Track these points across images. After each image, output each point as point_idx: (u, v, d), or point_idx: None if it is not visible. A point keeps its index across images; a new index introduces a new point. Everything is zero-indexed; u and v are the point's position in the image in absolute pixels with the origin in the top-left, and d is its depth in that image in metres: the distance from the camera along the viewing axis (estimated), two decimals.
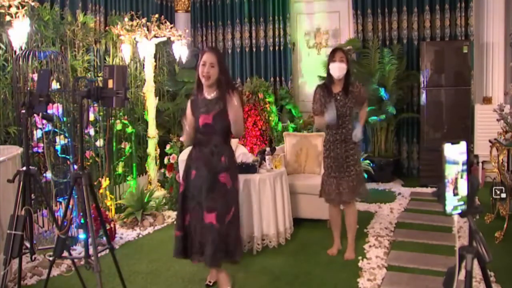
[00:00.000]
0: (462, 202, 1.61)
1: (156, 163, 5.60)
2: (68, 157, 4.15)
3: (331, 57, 3.61)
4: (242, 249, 3.25)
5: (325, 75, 6.38)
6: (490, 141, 4.53)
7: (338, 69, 3.57)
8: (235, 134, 3.10)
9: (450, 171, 1.57)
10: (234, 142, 4.30)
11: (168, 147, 5.36)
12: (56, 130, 4.11)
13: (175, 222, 3.21)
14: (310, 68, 7.09)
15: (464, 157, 1.60)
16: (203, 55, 3.00)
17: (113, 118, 5.01)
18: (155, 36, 5.39)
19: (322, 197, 3.81)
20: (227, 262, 3.09)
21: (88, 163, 4.56)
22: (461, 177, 1.60)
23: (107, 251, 2.89)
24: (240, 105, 3.04)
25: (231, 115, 2.97)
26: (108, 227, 3.92)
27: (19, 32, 3.83)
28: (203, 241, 2.99)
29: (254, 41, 7.25)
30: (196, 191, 3.03)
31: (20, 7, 3.82)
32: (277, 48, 7.16)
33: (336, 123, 3.58)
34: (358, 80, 4.37)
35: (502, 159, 4.34)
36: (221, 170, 3.00)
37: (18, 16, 3.80)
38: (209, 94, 3.04)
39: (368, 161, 5.93)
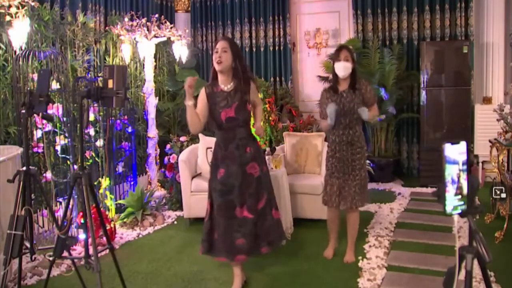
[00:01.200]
0: (462, 202, 1.61)
1: (156, 163, 5.60)
2: (68, 157, 4.16)
3: (336, 56, 3.54)
4: (281, 233, 3.21)
5: (325, 75, 6.47)
6: (490, 141, 4.53)
7: (343, 69, 3.50)
8: (260, 108, 3.23)
9: (450, 171, 1.57)
10: None
11: (168, 147, 5.36)
12: (56, 130, 4.11)
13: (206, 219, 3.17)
14: (310, 68, 7.09)
15: (464, 157, 1.60)
16: (216, 46, 3.02)
17: (113, 118, 5.01)
18: (155, 36, 5.39)
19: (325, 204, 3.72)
20: (272, 250, 3.17)
21: (88, 163, 4.56)
22: (461, 177, 1.60)
23: (107, 251, 2.89)
24: (257, 88, 3.16)
25: (257, 109, 3.13)
26: (108, 227, 3.92)
27: (19, 32, 3.83)
28: (233, 237, 3.02)
29: (254, 41, 7.26)
30: (225, 188, 3.02)
31: (20, 7, 3.82)
32: (277, 48, 7.16)
33: (344, 121, 3.51)
34: (364, 78, 4.34)
35: (502, 159, 4.34)
36: (247, 161, 3.03)
37: (18, 16, 3.80)
38: (226, 85, 3.03)
39: (368, 161, 5.92)
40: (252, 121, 3.21)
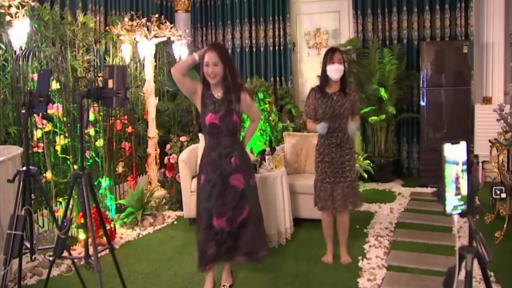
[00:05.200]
0: (462, 202, 1.61)
1: (156, 163, 5.60)
2: (68, 157, 4.16)
3: (329, 59, 3.49)
4: (264, 248, 3.11)
5: None
6: (490, 141, 4.53)
7: (337, 71, 3.47)
8: (256, 129, 3.24)
9: (450, 171, 1.57)
10: None
11: (168, 147, 5.36)
12: (56, 130, 4.11)
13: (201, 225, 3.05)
14: (310, 68, 7.09)
15: (464, 157, 1.60)
16: (205, 55, 2.92)
17: (113, 118, 5.01)
18: (155, 36, 5.39)
19: (316, 206, 3.68)
20: (250, 262, 3.12)
21: (88, 163, 4.56)
22: (461, 177, 1.60)
23: (107, 251, 2.89)
24: (252, 101, 3.13)
25: (250, 115, 3.13)
26: (108, 227, 3.92)
27: (19, 32, 3.83)
28: (206, 249, 2.95)
29: (254, 41, 7.26)
30: (204, 196, 2.96)
31: (20, 7, 3.83)
32: (277, 48, 7.16)
33: (333, 125, 3.47)
34: (353, 83, 4.32)
35: (502, 159, 4.34)
36: (231, 172, 2.94)
37: (18, 16, 3.80)
38: (216, 92, 2.97)
39: (368, 161, 5.93)
40: (243, 132, 3.19)
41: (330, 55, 3.51)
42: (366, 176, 5.70)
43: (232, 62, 3.04)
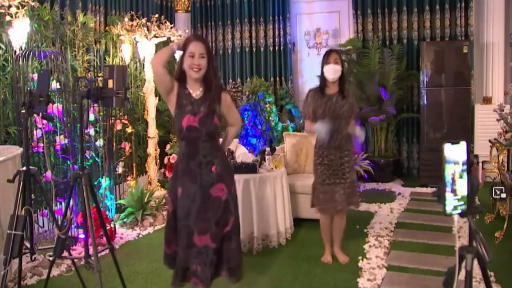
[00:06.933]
0: (462, 202, 1.61)
1: (156, 163, 5.60)
2: (68, 157, 4.16)
3: (325, 59, 3.50)
4: (241, 262, 2.73)
5: None
6: (490, 141, 4.54)
7: (333, 71, 3.46)
8: (236, 134, 2.92)
9: (450, 171, 1.57)
10: (234, 142, 4.31)
11: (168, 147, 5.36)
12: (56, 130, 4.11)
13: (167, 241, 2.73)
14: (310, 68, 7.08)
15: (464, 157, 1.60)
16: (188, 45, 2.60)
17: (113, 118, 5.01)
18: (155, 36, 5.39)
19: (314, 207, 3.64)
20: (230, 280, 2.69)
21: (88, 163, 4.56)
22: (461, 177, 1.60)
23: (107, 251, 2.89)
24: (232, 103, 2.82)
25: (229, 118, 2.78)
26: (108, 227, 3.92)
27: (19, 32, 3.83)
28: (187, 266, 2.59)
29: (254, 41, 7.26)
30: (183, 212, 2.59)
31: (20, 7, 3.83)
32: (277, 48, 7.17)
33: (332, 126, 3.38)
34: (351, 87, 4.31)
35: (502, 159, 4.34)
36: (212, 182, 2.59)
37: (18, 16, 3.81)
38: (195, 91, 2.64)
39: (368, 161, 5.93)
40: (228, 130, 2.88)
41: (326, 56, 3.53)
42: (365, 176, 5.70)
43: (214, 58, 2.81)
